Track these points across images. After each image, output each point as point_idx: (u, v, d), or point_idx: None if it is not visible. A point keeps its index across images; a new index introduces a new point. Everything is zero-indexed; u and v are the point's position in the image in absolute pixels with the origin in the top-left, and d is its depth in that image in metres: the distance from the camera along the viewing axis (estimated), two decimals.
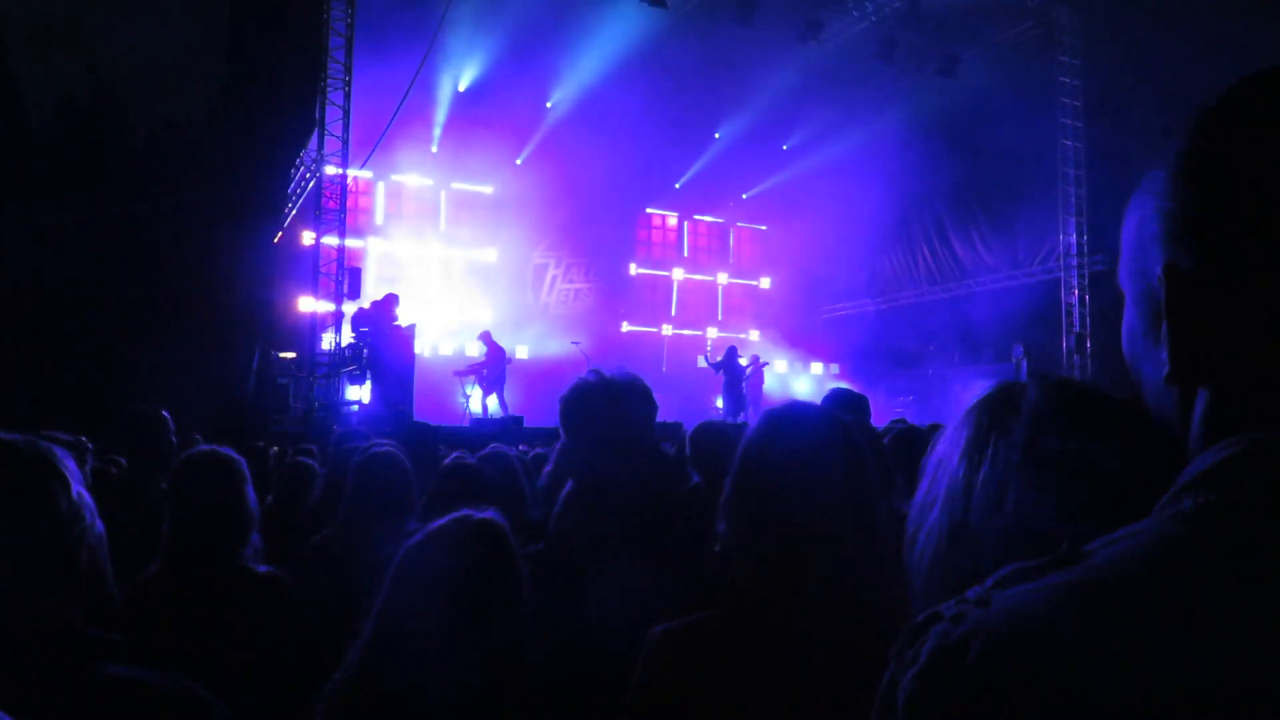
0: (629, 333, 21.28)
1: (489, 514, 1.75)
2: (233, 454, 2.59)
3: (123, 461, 3.67)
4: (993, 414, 1.16)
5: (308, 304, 14.63)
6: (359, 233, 17.84)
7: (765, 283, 23.50)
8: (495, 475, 3.28)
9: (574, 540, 2.00)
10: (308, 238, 14.85)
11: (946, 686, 0.53)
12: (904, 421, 4.43)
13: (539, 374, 16.85)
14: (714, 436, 3.32)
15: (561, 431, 2.10)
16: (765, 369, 18.07)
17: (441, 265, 19.71)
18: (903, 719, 0.55)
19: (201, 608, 2.32)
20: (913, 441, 3.47)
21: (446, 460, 3.36)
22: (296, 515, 4.36)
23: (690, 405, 16.78)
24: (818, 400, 3.12)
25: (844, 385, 4.69)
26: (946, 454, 1.18)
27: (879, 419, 5.48)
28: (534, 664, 1.65)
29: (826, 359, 21.06)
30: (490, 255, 19.99)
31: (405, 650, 1.59)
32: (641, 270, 22.20)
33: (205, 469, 2.51)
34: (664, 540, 1.95)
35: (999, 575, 0.57)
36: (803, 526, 1.40)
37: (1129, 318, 0.67)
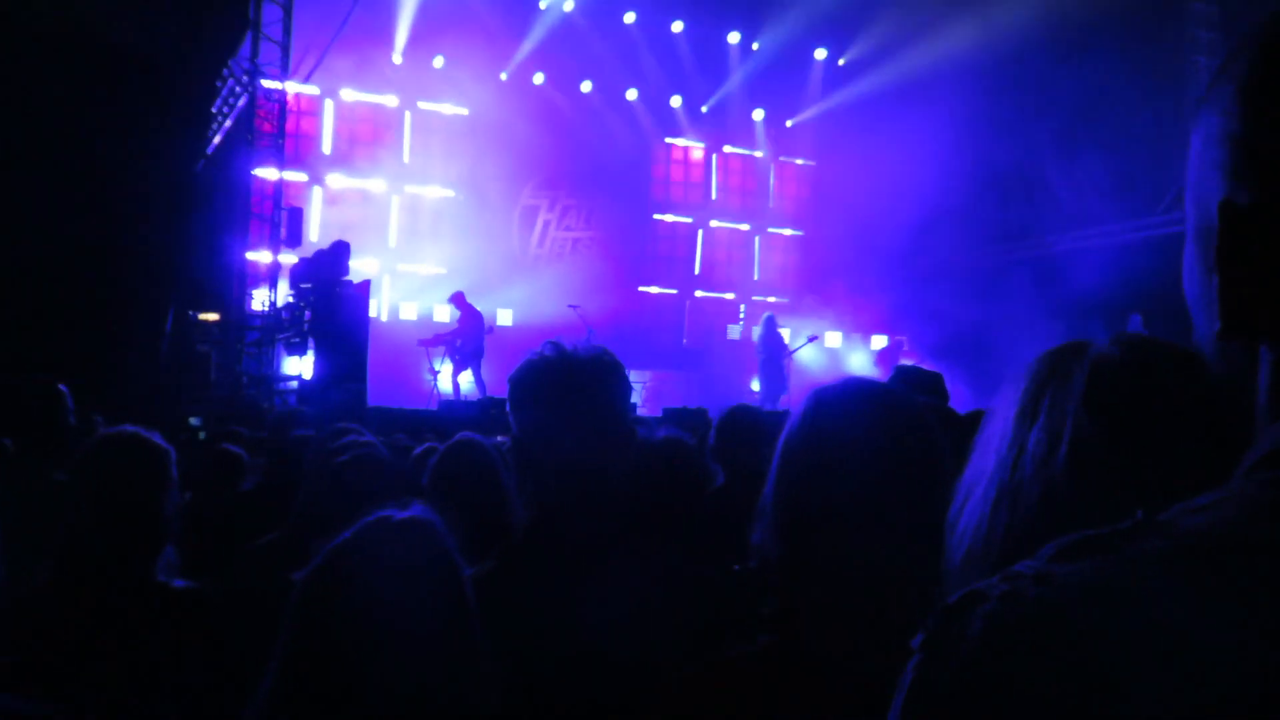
0: (642, 294, 21.30)
1: (414, 511, 1.77)
2: (157, 440, 2.61)
3: (7, 443, 3.70)
4: (1054, 363, 1.20)
5: (236, 253, 14.66)
6: (301, 164, 17.88)
7: (813, 233, 23.42)
8: (465, 470, 3.29)
9: (542, 551, 2.01)
10: (238, 168, 14.85)
11: (1014, 678, 0.54)
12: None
13: (525, 345, 16.72)
14: (747, 425, 3.34)
15: (511, 420, 2.10)
16: (814, 343, 17.99)
17: (405, 206, 19.75)
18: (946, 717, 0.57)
19: (103, 627, 2.34)
20: None
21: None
22: (220, 515, 4.41)
23: (719, 388, 16.78)
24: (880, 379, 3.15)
25: (910, 363, 4.70)
26: (1001, 415, 1.22)
27: (957, 404, 5.46)
28: (487, 687, 1.68)
29: (890, 330, 21.02)
30: (465, 195, 20.00)
31: (324, 677, 1.63)
32: (658, 216, 22.21)
33: (118, 457, 2.53)
34: (660, 549, 1.96)
35: (1058, 546, 0.59)
36: (859, 538, 1.41)
37: (1188, 254, 0.71)
